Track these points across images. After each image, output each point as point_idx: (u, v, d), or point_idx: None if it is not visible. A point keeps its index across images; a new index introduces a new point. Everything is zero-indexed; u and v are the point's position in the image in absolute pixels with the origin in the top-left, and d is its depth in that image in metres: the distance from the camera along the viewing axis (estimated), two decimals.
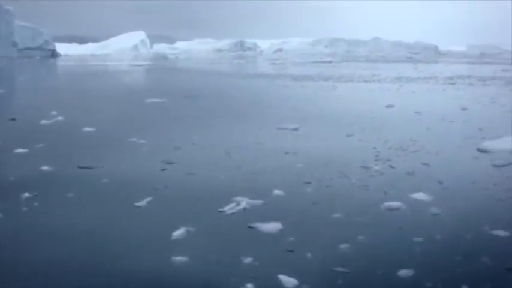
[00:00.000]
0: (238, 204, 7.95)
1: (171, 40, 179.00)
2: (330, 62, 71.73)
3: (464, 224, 7.05)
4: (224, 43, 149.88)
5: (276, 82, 34.22)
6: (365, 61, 77.06)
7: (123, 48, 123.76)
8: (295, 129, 15.14)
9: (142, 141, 13.11)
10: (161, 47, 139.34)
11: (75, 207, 7.93)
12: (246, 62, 76.52)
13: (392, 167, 10.38)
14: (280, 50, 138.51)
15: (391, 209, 7.70)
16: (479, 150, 12.16)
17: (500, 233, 6.73)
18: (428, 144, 12.87)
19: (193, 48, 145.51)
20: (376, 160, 10.96)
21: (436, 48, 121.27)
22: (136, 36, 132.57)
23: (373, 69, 50.08)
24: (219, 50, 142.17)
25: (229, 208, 7.81)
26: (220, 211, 7.69)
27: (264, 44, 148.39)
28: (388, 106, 20.41)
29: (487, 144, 12.33)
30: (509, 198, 8.23)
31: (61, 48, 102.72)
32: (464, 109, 19.86)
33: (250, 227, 7.01)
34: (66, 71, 53.43)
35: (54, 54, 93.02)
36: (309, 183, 9.10)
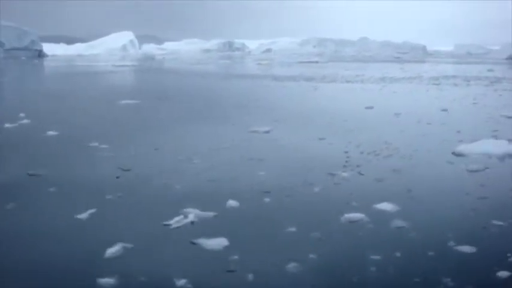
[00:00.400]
0: (186, 216, 7.32)
1: (159, 40, 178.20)
2: (316, 62, 71.22)
3: (428, 240, 6.45)
4: (212, 43, 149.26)
5: (258, 82, 33.60)
6: (351, 61, 76.63)
7: (112, 49, 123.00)
8: (267, 132, 14.53)
9: (103, 146, 12.47)
10: (149, 48, 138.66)
11: (8, 218, 7.26)
12: (232, 62, 75.83)
13: (361, 174, 9.78)
14: (268, 50, 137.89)
15: (351, 222, 7.10)
16: (454, 154, 11.59)
17: (466, 249, 6.14)
18: (403, 148, 12.30)
19: (182, 49, 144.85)
20: (345, 166, 10.36)
21: (423, 48, 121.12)
22: (125, 37, 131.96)
23: (358, 70, 49.58)
24: (207, 51, 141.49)
25: (175, 221, 7.17)
26: (165, 224, 7.05)
27: (253, 44, 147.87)
28: (368, 107, 19.84)
29: (463, 147, 11.77)
30: (480, 208, 7.64)
31: (48, 48, 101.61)
32: (444, 110, 19.33)
33: (192, 243, 6.38)
34: (48, 72, 52.56)
35: (41, 54, 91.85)
36: (268, 192, 8.48)
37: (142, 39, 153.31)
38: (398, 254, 5.98)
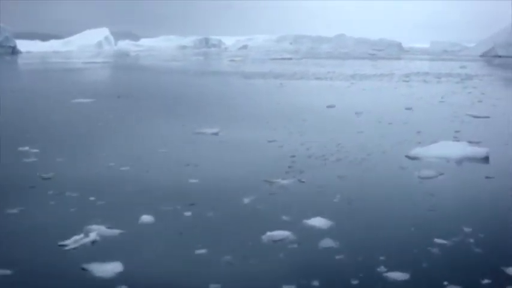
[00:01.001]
0: (87, 235, 6.33)
1: (135, 37, 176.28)
2: (289, 59, 70.37)
3: (356, 264, 5.55)
4: (189, 40, 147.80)
5: (225, 80, 32.62)
6: (326, 58, 75.97)
7: (87, 45, 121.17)
8: (215, 134, 13.60)
9: (34, 151, 11.44)
10: (125, 44, 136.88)
11: None
12: (205, 58, 74.66)
13: (302, 182, 8.88)
14: (245, 46, 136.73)
15: (274, 241, 6.18)
16: (408, 157, 10.77)
17: (397, 276, 5.25)
18: (356, 150, 11.43)
19: (158, 45, 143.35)
20: (287, 172, 9.45)
21: (399, 45, 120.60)
22: (100, 33, 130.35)
23: (330, 66, 48.84)
24: (184, 47, 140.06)
25: (73, 241, 6.20)
26: (61, 245, 6.06)
27: (229, 41, 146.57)
28: (329, 106, 18.99)
29: (418, 150, 10.94)
30: (423, 224, 6.78)
31: (23, 45, 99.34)
32: (408, 109, 18.57)
33: (83, 269, 5.40)
34: (15, 69, 50.92)
35: (14, 51, 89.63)
36: (192, 205, 7.52)
37: (119, 35, 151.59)
38: (315, 283, 5.06)
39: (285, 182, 8.88)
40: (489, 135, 13.61)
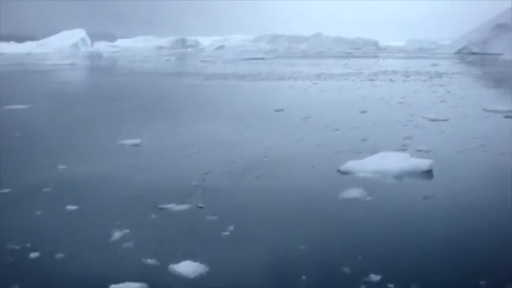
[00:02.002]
0: None
1: (112, 38, 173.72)
2: (262, 58, 69.00)
3: None
4: (166, 40, 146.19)
5: (184, 82, 30.97)
6: (300, 57, 74.71)
7: (63, 47, 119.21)
8: (136, 145, 12.01)
9: None
10: (102, 45, 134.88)
11: None
12: (176, 59, 72.88)
13: (199, 207, 7.32)
14: (221, 47, 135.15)
15: None
16: (339, 172, 9.24)
17: None
18: (284, 163, 9.92)
19: (135, 46, 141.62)
20: (188, 194, 7.91)
21: (376, 43, 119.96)
22: (76, 34, 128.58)
23: (300, 66, 47.47)
24: (160, 48, 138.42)
25: None
26: None
27: (206, 41, 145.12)
28: (278, 110, 17.46)
29: (352, 164, 9.43)
30: (323, 271, 5.23)
31: None
32: (363, 112, 17.14)
33: None
34: None
35: None
36: (43, 243, 5.90)
37: (96, 36, 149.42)
38: None
39: (179, 208, 7.33)
40: (442, 142, 12.20)
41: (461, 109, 17.77)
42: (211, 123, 15.03)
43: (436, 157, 10.07)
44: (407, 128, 13.90)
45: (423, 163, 9.33)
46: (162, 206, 7.38)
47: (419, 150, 10.94)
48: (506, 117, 16.13)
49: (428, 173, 9.17)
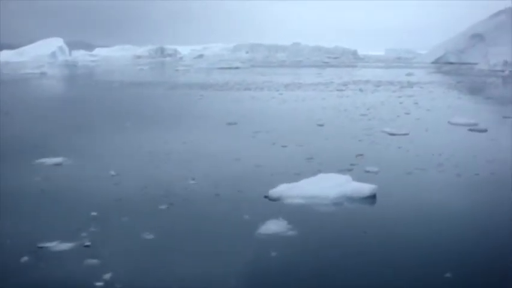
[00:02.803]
0: None
1: (90, 47, 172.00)
2: (237, 68, 67.83)
3: None
4: (144, 49, 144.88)
5: (145, 91, 29.71)
6: (276, 66, 73.67)
7: (41, 56, 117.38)
8: (58, 165, 10.67)
9: None
10: (80, 54, 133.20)
11: None
12: (150, 68, 71.39)
13: (86, 246, 6.03)
14: (201, 56, 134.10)
15: None
16: (268, 198, 8.02)
17: None
18: (210, 188, 8.65)
19: (113, 55, 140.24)
20: (79, 230, 6.59)
21: (354, 52, 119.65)
22: (54, 43, 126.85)
23: (272, 75, 46.34)
24: (139, 57, 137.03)
25: None
26: None
27: (185, 50, 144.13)
28: (230, 123, 16.21)
29: (283, 188, 8.22)
30: None
31: None
32: (320, 125, 15.97)
33: None
34: None
35: None
36: None
37: (74, 45, 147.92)
38: None
39: (63, 246, 6.04)
40: (395, 160, 11.06)
41: (424, 122, 16.70)
42: (151, 137, 13.78)
43: (384, 179, 8.98)
44: (361, 144, 12.75)
45: (365, 188, 8.14)
46: (42, 244, 6.07)
47: (367, 171, 9.79)
48: (470, 130, 15.09)
49: (370, 200, 7.99)
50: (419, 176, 9.63)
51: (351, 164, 10.37)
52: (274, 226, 6.66)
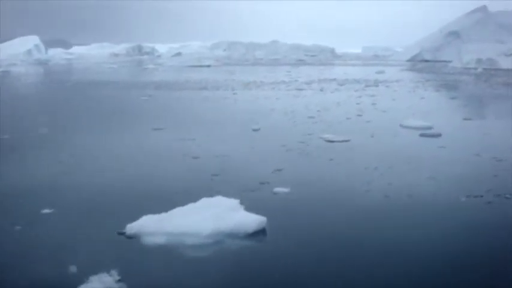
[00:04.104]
0: None
1: (68, 45, 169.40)
2: (208, 66, 65.96)
3: None
4: (122, 47, 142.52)
5: (93, 91, 27.61)
6: (251, 64, 71.92)
7: (16, 54, 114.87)
8: None
9: None
10: (57, 52, 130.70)
11: None
12: (120, 67, 69.02)
13: None
14: (178, 54, 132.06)
15: None
16: (120, 234, 6.12)
17: None
18: (65, 212, 6.72)
19: (90, 53, 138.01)
20: None
21: (332, 50, 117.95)
22: (30, 41, 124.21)
23: (239, 74, 44.50)
24: (116, 55, 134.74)
25: None
26: None
27: (163, 48, 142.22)
28: (157, 129, 14.34)
29: (143, 222, 6.32)
30: None
31: None
32: (255, 130, 14.15)
33: None
34: None
35: None
36: None
37: (51, 43, 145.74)
38: None
39: None
40: (315, 178, 9.20)
41: (373, 126, 14.96)
42: (65, 147, 11.81)
43: (289, 205, 7.19)
44: (288, 155, 10.93)
45: (251, 221, 6.29)
46: None
47: (275, 193, 7.94)
48: (421, 135, 13.35)
49: (255, 238, 6.13)
50: (339, 201, 7.83)
51: (261, 183, 8.53)
52: (98, 284, 4.77)
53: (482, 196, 7.93)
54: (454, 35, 74.45)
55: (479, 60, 48.98)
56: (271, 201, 7.52)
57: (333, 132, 13.51)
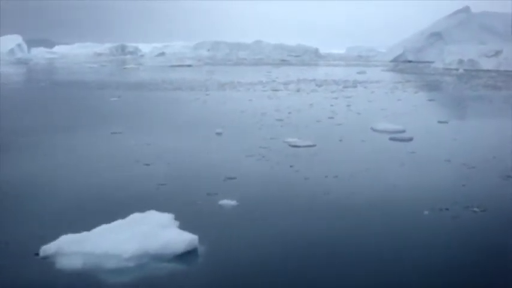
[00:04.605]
0: None
1: (50, 44, 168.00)
2: (189, 65, 65.14)
3: None
4: (105, 47, 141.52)
5: (63, 92, 26.79)
6: (233, 64, 71.17)
7: None
8: None
9: None
10: (39, 51, 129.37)
11: None
12: (100, 66, 68.01)
13: None
14: (162, 54, 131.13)
15: None
16: (39, 257, 5.37)
17: None
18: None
19: (73, 53, 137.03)
20: None
21: (316, 51, 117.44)
22: (13, 40, 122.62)
23: (219, 74, 43.77)
24: (99, 54, 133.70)
25: None
26: None
27: (147, 48, 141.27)
28: (114, 132, 13.57)
29: (62, 241, 5.59)
30: None
31: None
32: (218, 134, 13.51)
33: None
34: None
35: None
36: None
37: (34, 43, 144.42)
38: None
39: None
40: (267, 188, 8.50)
41: (343, 129, 14.32)
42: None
43: (232, 219, 6.45)
44: (245, 162, 10.25)
45: (180, 241, 5.57)
46: None
47: (220, 206, 7.24)
48: (391, 140, 12.72)
49: (184, 259, 5.41)
50: (289, 215, 7.13)
51: (208, 194, 7.82)
52: None
53: (447, 209, 7.28)
54: (436, 35, 74.28)
55: (461, 61, 48.64)
56: (213, 216, 6.82)
57: (300, 136, 12.84)
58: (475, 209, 7.31)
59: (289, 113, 17.66)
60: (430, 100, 23.10)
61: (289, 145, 11.92)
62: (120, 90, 27.18)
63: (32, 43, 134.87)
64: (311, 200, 7.65)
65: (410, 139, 12.88)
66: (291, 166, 9.92)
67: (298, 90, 26.81)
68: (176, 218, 6.26)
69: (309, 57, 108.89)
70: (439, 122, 16.10)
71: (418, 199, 7.76)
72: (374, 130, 14.10)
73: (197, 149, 11.54)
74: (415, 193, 8.11)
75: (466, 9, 78.44)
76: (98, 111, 18.74)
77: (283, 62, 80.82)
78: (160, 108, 19.72)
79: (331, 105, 19.95)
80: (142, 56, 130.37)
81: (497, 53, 47.38)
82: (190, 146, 11.88)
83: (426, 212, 7.14)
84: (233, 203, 7.39)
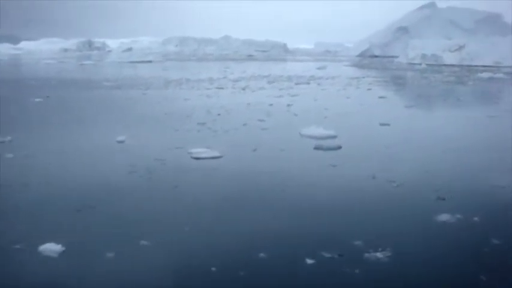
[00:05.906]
0: None
1: (16, 40, 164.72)
2: (149, 61, 63.18)
3: None
4: (72, 42, 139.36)
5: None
6: (195, 60, 69.29)
7: None
8: None
9: None
10: (4, 47, 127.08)
11: None
12: (58, 62, 65.56)
13: None
14: (129, 49, 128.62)
15: None
16: None
17: None
18: None
19: (39, 48, 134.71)
20: None
21: (284, 46, 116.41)
22: None
23: (173, 70, 42.06)
24: (66, 50, 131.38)
25: None
26: None
27: (114, 44, 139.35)
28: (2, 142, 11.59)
29: None
30: None
31: None
32: (120, 142, 11.61)
33: None
34: None
35: None
36: None
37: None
38: None
39: None
40: (137, 218, 6.67)
41: (267, 135, 12.56)
42: None
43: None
44: (126, 180, 8.36)
45: None
46: None
47: (40, 253, 5.36)
48: (316, 148, 10.99)
49: None
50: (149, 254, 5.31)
51: (50, 231, 5.94)
52: None
53: (342, 255, 5.56)
54: (402, 30, 73.29)
55: (424, 56, 47.40)
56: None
57: (211, 145, 11.04)
58: (377, 252, 5.59)
59: (219, 114, 15.89)
60: (380, 98, 21.50)
61: (192, 157, 10.10)
62: (53, 89, 25.19)
63: None
64: (183, 235, 5.85)
65: (338, 148, 11.19)
66: (174, 187, 8.08)
67: (244, 88, 25.06)
68: None
69: (276, 52, 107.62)
70: (381, 124, 14.45)
71: (311, 239, 6.00)
72: (302, 135, 12.38)
73: (82, 163, 9.68)
74: (314, 229, 6.35)
75: (432, 4, 77.62)
76: (4, 115, 16.68)
77: (249, 58, 79.29)
78: (78, 109, 17.77)
79: (270, 105, 18.24)
80: (109, 51, 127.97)
81: (460, 48, 46.24)
82: (77, 159, 9.99)
83: (310, 262, 5.39)
84: (58, 248, 5.54)
